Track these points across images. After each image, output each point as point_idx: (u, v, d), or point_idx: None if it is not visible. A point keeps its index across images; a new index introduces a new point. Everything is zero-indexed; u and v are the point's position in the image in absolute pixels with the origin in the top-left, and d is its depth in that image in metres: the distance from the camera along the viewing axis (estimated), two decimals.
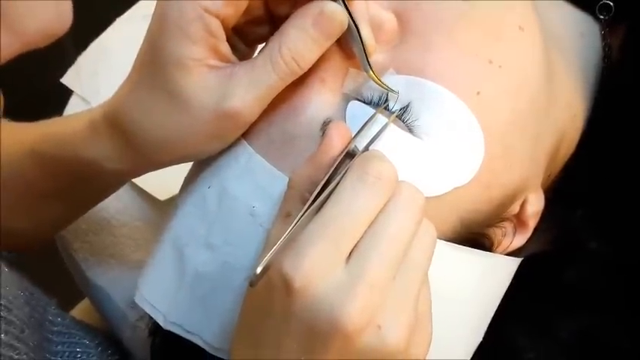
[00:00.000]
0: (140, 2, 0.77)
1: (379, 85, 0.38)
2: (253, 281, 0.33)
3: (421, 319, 0.35)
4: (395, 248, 0.34)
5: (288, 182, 0.37)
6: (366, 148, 0.37)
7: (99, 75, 0.71)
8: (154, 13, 0.38)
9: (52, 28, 0.29)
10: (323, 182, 0.35)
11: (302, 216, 0.34)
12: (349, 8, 0.36)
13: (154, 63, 0.38)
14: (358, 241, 0.34)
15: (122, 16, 0.74)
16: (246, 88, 0.37)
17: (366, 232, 0.34)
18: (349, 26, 0.37)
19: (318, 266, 0.33)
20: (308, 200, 0.35)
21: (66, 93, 0.73)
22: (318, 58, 0.38)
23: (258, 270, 0.33)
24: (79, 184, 0.47)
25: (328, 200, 0.34)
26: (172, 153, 0.41)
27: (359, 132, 0.38)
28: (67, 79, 0.72)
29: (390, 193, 0.34)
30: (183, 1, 0.36)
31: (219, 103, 0.37)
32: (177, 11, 0.36)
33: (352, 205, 0.34)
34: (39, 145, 0.46)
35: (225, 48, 0.38)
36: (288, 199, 0.36)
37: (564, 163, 0.48)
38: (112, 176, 0.45)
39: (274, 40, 0.37)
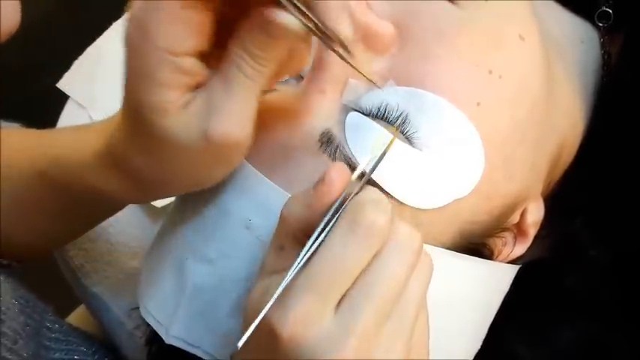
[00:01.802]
0: None
1: (365, 77, 0.37)
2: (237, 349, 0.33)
3: (416, 350, 0.34)
4: (387, 296, 0.33)
5: (280, 217, 0.35)
6: (371, 172, 0.36)
7: (95, 80, 0.70)
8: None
9: None
10: (319, 230, 0.34)
11: (295, 269, 0.33)
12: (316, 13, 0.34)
13: (136, 113, 0.36)
14: (349, 289, 0.33)
15: (119, 20, 0.74)
16: (226, 104, 0.35)
17: (357, 280, 0.33)
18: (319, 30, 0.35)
19: (305, 317, 0.32)
20: (298, 238, 0.34)
21: (62, 98, 0.73)
22: (279, 54, 0.36)
23: (240, 344, 0.32)
24: (84, 207, 0.47)
25: (317, 250, 0.33)
26: (180, 188, 0.41)
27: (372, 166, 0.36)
28: (62, 84, 0.72)
29: (382, 242, 0.33)
30: (144, 48, 0.34)
31: (205, 132, 0.36)
32: (139, 60, 0.34)
33: (341, 256, 0.32)
34: (47, 168, 0.45)
35: (201, 75, 0.36)
36: (280, 232, 0.35)
37: (564, 171, 0.48)
38: (118, 203, 0.46)
39: (233, 48, 0.35)
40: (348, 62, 0.36)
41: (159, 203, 0.61)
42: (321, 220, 0.34)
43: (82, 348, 0.51)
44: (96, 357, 0.52)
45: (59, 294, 0.66)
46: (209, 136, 0.35)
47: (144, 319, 0.45)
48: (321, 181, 0.34)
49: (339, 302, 0.33)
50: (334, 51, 0.36)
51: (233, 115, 0.35)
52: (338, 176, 0.34)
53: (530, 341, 0.47)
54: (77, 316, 0.73)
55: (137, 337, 0.51)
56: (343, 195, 0.34)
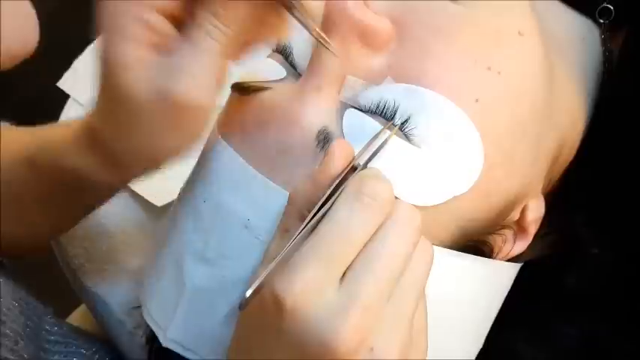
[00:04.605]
0: None
1: (320, 42, 0.37)
2: (242, 304, 0.33)
3: (416, 338, 0.35)
4: (390, 270, 0.33)
5: (289, 198, 0.36)
6: (366, 165, 0.36)
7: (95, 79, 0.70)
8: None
9: (14, 50, 0.29)
10: (322, 200, 0.35)
11: (297, 236, 0.34)
12: None
13: (103, 70, 0.37)
14: (353, 262, 0.33)
15: None
16: (189, 65, 0.36)
17: (361, 252, 0.34)
18: None
19: (309, 287, 0.32)
20: (306, 218, 0.34)
21: (62, 97, 0.73)
22: (241, 14, 0.36)
23: (248, 294, 0.33)
24: (71, 193, 0.47)
25: (323, 219, 0.34)
26: (148, 161, 0.40)
27: (362, 150, 0.37)
28: (63, 83, 0.72)
29: (386, 213, 0.34)
30: (117, 4, 0.35)
31: (165, 90, 0.36)
32: (110, 15, 0.35)
33: (346, 226, 0.33)
34: (35, 155, 0.46)
35: (169, 36, 0.36)
36: (287, 215, 0.36)
37: (565, 169, 0.48)
38: (100, 186, 0.45)
39: (200, 12, 0.36)
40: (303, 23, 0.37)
41: (159, 202, 0.61)
42: (324, 195, 0.35)
43: (82, 350, 0.51)
44: (96, 357, 0.52)
45: (60, 294, 0.66)
46: (169, 95, 0.35)
47: (144, 319, 0.45)
48: (325, 155, 0.36)
49: (344, 275, 0.33)
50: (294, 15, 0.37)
51: (195, 77, 0.35)
52: (341, 150, 0.36)
53: (531, 340, 0.47)
54: (78, 316, 0.73)
55: (138, 336, 0.51)
56: (344, 175, 0.35)
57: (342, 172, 0.35)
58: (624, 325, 0.47)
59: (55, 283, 0.69)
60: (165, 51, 0.36)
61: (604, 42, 0.47)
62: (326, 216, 0.34)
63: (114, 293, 0.60)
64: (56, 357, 0.47)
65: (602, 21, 0.48)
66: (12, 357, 0.40)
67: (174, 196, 0.48)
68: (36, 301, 0.49)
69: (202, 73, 0.36)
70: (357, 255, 0.34)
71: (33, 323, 0.46)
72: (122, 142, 0.39)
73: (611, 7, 0.47)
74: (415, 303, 0.34)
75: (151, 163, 0.41)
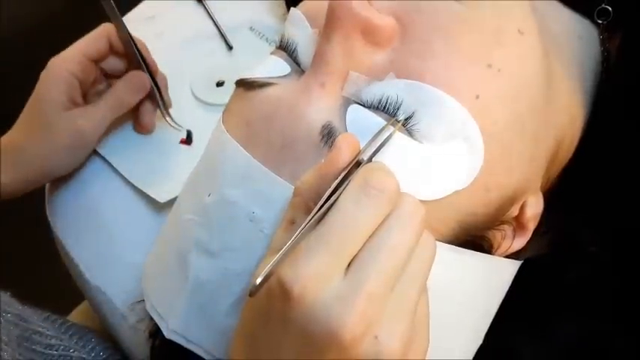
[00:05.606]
0: (143, 3, 0.77)
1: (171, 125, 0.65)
2: (252, 291, 0.33)
3: (418, 329, 0.35)
4: (394, 261, 0.34)
5: (294, 189, 0.37)
6: (370, 159, 0.37)
7: None
8: None
9: None
10: (328, 193, 0.35)
11: (305, 227, 0.34)
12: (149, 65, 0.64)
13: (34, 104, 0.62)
14: (358, 252, 0.34)
15: (125, 17, 0.74)
16: (90, 115, 0.62)
17: (366, 243, 0.34)
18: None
19: (316, 275, 0.33)
20: (311, 209, 0.35)
21: None
22: (137, 99, 0.64)
23: (258, 281, 0.33)
24: None
25: (330, 210, 0.34)
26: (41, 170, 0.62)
27: (368, 144, 0.37)
28: None
29: (392, 205, 0.34)
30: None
31: (73, 123, 0.61)
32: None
33: (353, 216, 0.34)
34: None
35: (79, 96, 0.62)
36: (293, 206, 0.36)
37: (563, 167, 0.48)
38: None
39: (109, 90, 0.64)
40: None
41: (162, 198, 0.61)
42: (330, 187, 0.35)
43: (77, 346, 0.51)
44: (92, 355, 0.53)
45: (60, 293, 0.67)
46: (74, 126, 0.62)
47: (147, 313, 0.45)
48: (332, 148, 0.36)
49: (350, 264, 0.34)
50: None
51: (92, 119, 0.63)
52: (348, 143, 0.36)
53: (530, 337, 0.47)
54: (81, 312, 0.73)
55: (140, 330, 0.52)
56: (349, 169, 0.35)
57: (348, 165, 0.36)
58: (622, 324, 0.47)
59: (56, 283, 0.70)
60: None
61: (602, 42, 0.48)
62: (333, 207, 0.34)
63: (116, 288, 0.60)
64: (54, 350, 0.47)
65: (600, 21, 0.48)
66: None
67: (177, 192, 0.48)
68: (24, 307, 0.49)
69: (95, 119, 0.62)
70: (363, 245, 0.34)
71: (21, 321, 0.46)
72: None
73: (609, 8, 0.48)
74: (418, 294, 0.35)
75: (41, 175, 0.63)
